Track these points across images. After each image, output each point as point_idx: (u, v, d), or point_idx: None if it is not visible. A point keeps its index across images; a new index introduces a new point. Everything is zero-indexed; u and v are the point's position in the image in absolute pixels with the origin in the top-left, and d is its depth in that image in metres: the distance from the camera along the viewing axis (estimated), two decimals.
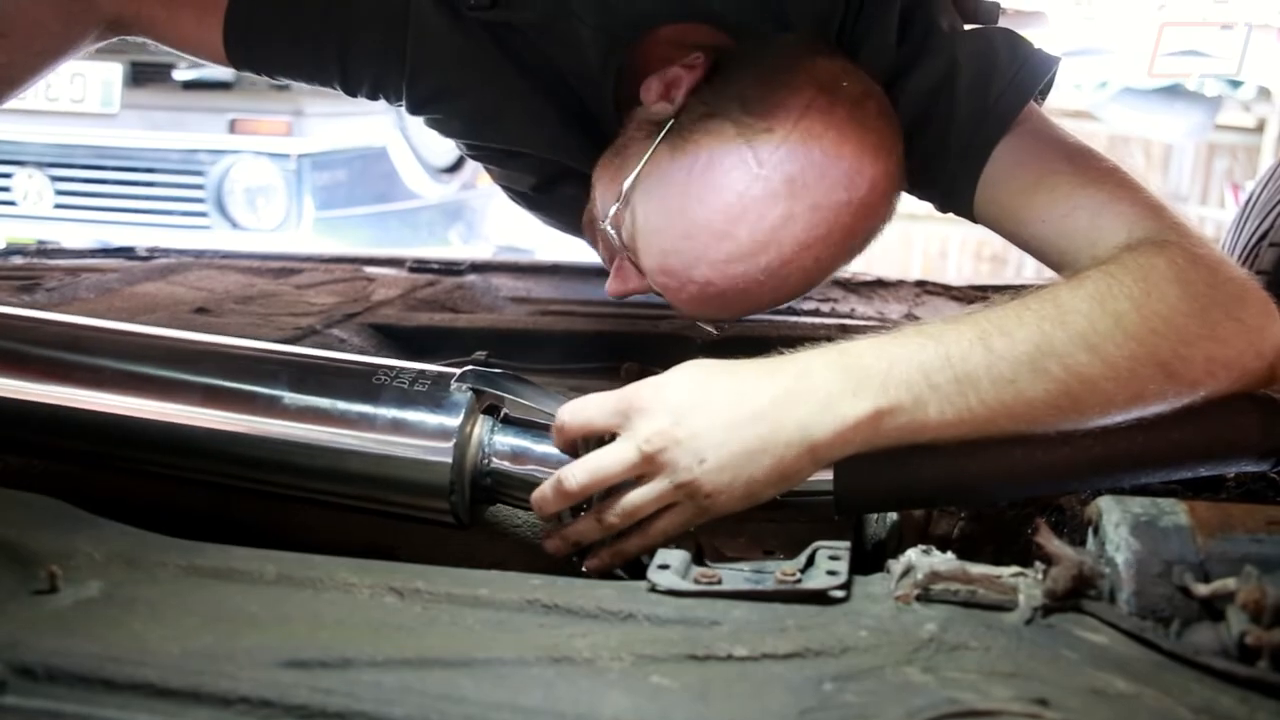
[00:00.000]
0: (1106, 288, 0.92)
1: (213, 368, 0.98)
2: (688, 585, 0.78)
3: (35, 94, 4.18)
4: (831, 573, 0.78)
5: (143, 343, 1.03)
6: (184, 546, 0.83)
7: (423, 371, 0.96)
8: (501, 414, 0.97)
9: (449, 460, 0.91)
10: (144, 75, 4.22)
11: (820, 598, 0.76)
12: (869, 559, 0.94)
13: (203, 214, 4.31)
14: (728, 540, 0.88)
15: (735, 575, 0.80)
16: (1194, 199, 7.31)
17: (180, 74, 4.16)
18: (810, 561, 0.81)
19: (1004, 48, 1.20)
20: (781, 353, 0.90)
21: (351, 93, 1.39)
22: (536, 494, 0.91)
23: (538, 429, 0.95)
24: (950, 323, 0.91)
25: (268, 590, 0.77)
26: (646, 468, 0.87)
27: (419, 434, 0.92)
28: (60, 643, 0.66)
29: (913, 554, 0.77)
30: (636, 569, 0.89)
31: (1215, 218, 6.92)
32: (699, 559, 0.86)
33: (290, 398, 0.94)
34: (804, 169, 1.05)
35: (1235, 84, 6.49)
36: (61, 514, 0.86)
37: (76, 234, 4.14)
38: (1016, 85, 1.16)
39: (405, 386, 0.94)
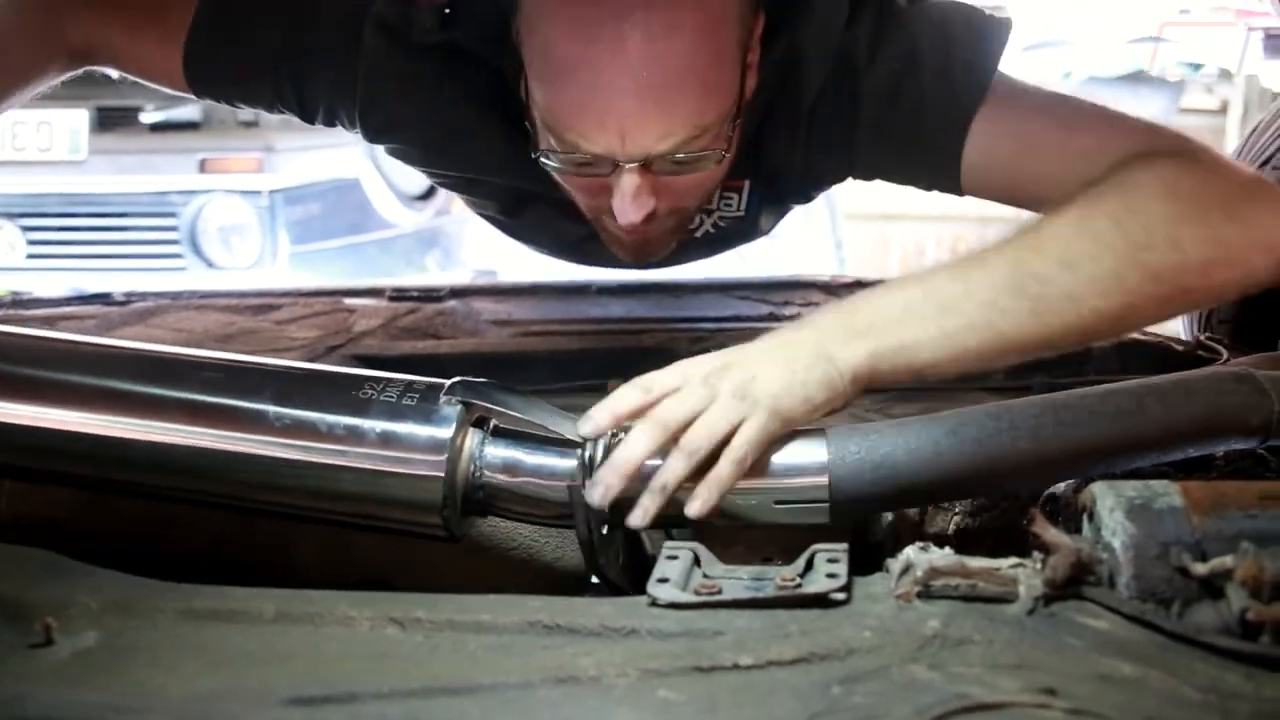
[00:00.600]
0: (1086, 210, 0.95)
1: (195, 382, 0.96)
2: (688, 597, 0.77)
3: (1, 145, 4.17)
4: (831, 575, 0.78)
5: (120, 356, 1.01)
6: (180, 590, 0.82)
7: (411, 383, 0.94)
8: (491, 425, 0.96)
9: (442, 474, 0.90)
10: (110, 120, 4.21)
11: (822, 601, 0.76)
12: (867, 559, 0.94)
13: (178, 255, 4.30)
14: (725, 549, 0.87)
15: (735, 584, 0.80)
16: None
17: (147, 116, 4.15)
18: (809, 565, 0.81)
19: (959, 19, 1.21)
20: None
21: (309, 120, 1.40)
22: (601, 475, 0.87)
23: (529, 440, 0.94)
24: (937, 266, 0.96)
25: (267, 628, 0.77)
26: (706, 397, 0.88)
27: (410, 448, 0.91)
28: (62, 695, 0.65)
29: (911, 551, 0.77)
30: (639, 580, 0.89)
31: None
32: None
33: (276, 412, 0.92)
34: None
35: (1196, 67, 6.57)
36: (53, 565, 0.86)
37: (51, 283, 4.12)
38: (980, 56, 1.17)
39: (394, 399, 0.92)
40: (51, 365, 0.98)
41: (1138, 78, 6.58)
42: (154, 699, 0.65)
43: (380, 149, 1.47)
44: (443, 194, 4.75)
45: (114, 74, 1.44)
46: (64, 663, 0.72)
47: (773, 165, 1.30)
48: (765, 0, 1.18)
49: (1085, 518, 0.80)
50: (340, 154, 4.42)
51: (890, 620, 0.72)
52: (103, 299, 2.16)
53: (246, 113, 3.87)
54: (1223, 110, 7.09)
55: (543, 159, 1.18)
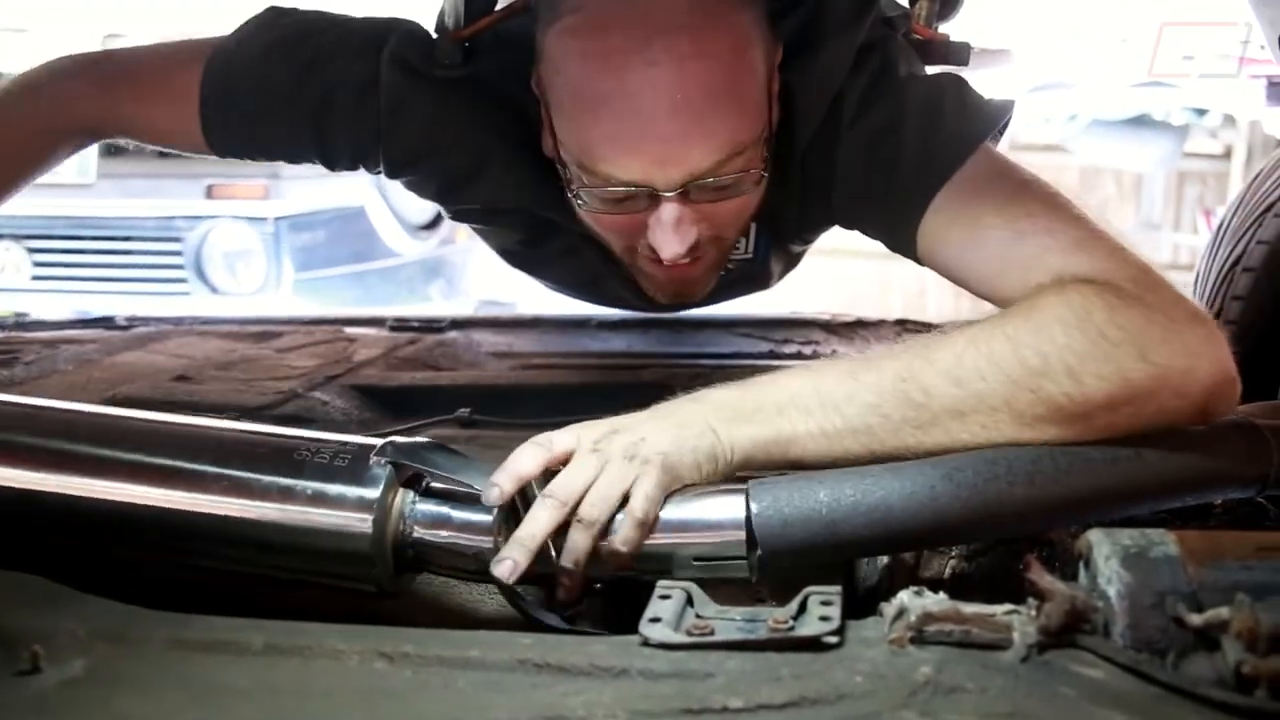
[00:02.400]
0: (988, 328, 0.95)
1: (139, 444, 0.99)
2: (680, 638, 0.77)
3: None
4: (824, 618, 0.77)
5: (66, 418, 1.03)
6: (168, 619, 0.82)
7: (344, 444, 0.97)
8: (424, 484, 0.97)
9: (368, 531, 0.92)
10: (119, 145, 4.23)
11: (814, 644, 0.75)
12: (861, 603, 0.94)
13: (182, 280, 4.31)
14: (718, 589, 0.87)
15: (728, 625, 0.80)
16: (1167, 226, 7.38)
17: None
18: (802, 608, 0.80)
19: (952, 96, 1.21)
20: None
21: (331, 167, 1.39)
22: (508, 552, 0.90)
23: (459, 498, 0.96)
24: (831, 361, 1.01)
25: (255, 661, 0.76)
26: (598, 463, 0.92)
27: (339, 506, 0.93)
28: None
29: (905, 596, 0.77)
30: (629, 621, 0.89)
31: (1189, 244, 6.98)
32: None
33: (215, 473, 0.96)
34: None
35: (1201, 112, 6.59)
36: (42, 591, 0.85)
37: (55, 305, 4.13)
38: (961, 135, 1.17)
39: (326, 461, 0.95)
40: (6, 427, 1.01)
41: (1142, 121, 6.61)
42: None
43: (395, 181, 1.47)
44: (447, 223, 4.78)
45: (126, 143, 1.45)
46: (50, 691, 0.71)
47: (771, 205, 1.30)
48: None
49: (1081, 565, 0.80)
50: (346, 182, 4.45)
51: (883, 665, 0.72)
52: (105, 323, 2.16)
53: None
54: (1226, 156, 7.12)
55: (578, 200, 1.18)
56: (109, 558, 1.00)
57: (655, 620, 0.79)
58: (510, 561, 0.90)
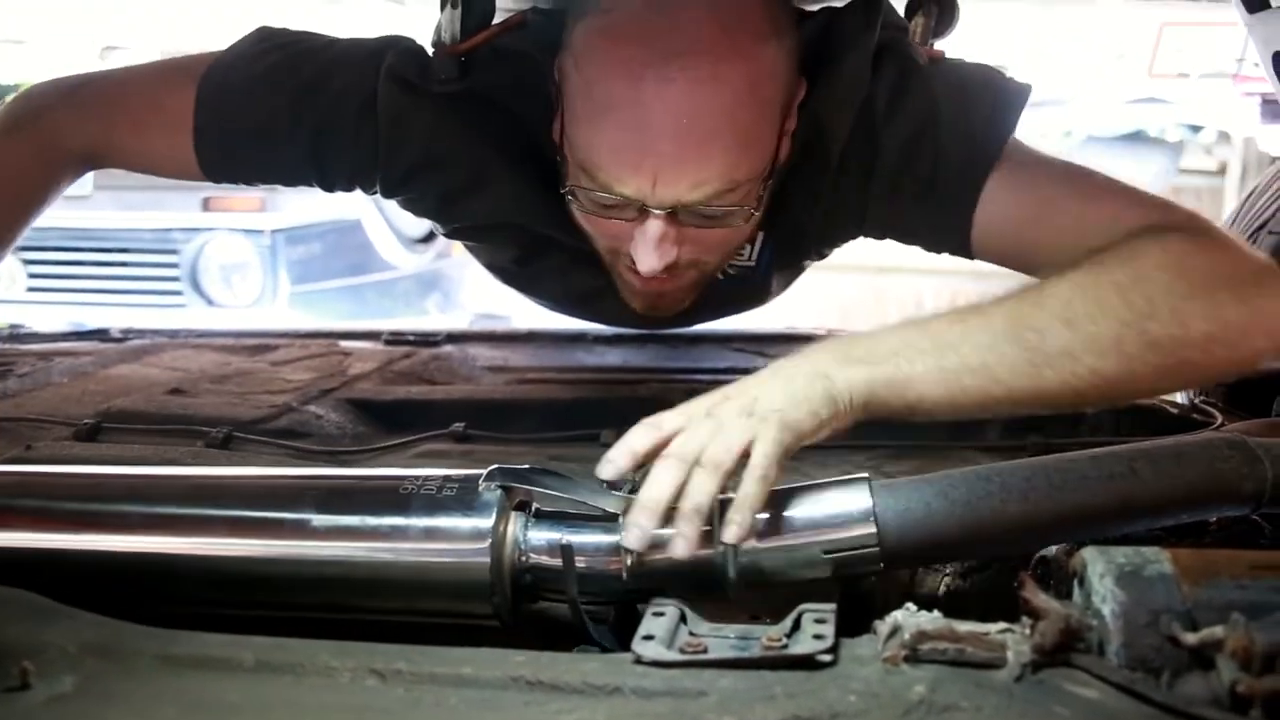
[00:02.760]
0: (1090, 274, 0.97)
1: (238, 500, 0.97)
2: (673, 655, 0.76)
3: None
4: (818, 636, 0.77)
5: (163, 483, 1.02)
6: (159, 635, 0.81)
7: (448, 476, 0.95)
8: (534, 509, 0.96)
9: (487, 561, 0.90)
10: None
11: (808, 663, 0.75)
12: (855, 619, 0.94)
13: (178, 292, 4.31)
14: (713, 607, 0.86)
15: (721, 643, 0.79)
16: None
17: None
18: (796, 625, 0.80)
19: (978, 81, 1.22)
20: None
21: (329, 189, 1.39)
22: (634, 518, 0.86)
23: (573, 519, 0.94)
24: (930, 313, 0.97)
25: (246, 678, 0.76)
26: (715, 426, 0.88)
27: (453, 538, 0.91)
28: None
29: (899, 614, 0.77)
30: (625, 635, 0.88)
31: None
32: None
33: (319, 519, 0.93)
34: None
35: (1195, 129, 6.62)
36: (31, 606, 0.84)
37: (50, 317, 4.13)
38: (997, 118, 1.18)
39: (433, 492, 0.93)
40: (103, 497, 1.00)
41: (1137, 138, 6.64)
42: None
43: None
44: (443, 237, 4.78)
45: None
46: (39, 708, 0.70)
47: (790, 222, 1.31)
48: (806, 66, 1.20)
49: (1076, 583, 0.80)
50: (342, 195, 4.45)
51: (876, 684, 0.71)
52: (100, 335, 2.16)
53: None
54: (1221, 172, 7.15)
55: (570, 196, 1.18)
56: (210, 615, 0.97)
57: (648, 638, 0.79)
58: (637, 529, 0.85)
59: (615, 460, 0.89)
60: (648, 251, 1.14)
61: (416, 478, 0.95)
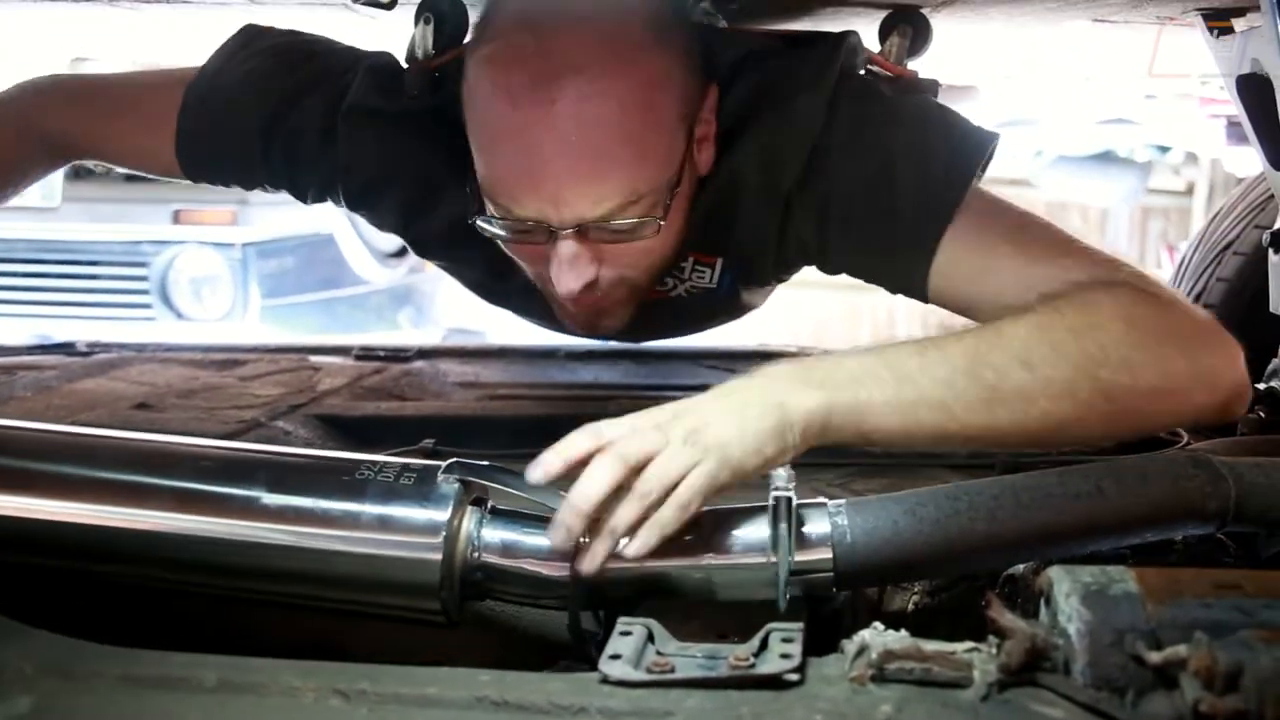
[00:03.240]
0: (1047, 319, 0.99)
1: (186, 470, 0.94)
2: (640, 675, 0.76)
3: None
4: (785, 655, 0.77)
5: (111, 446, 1.00)
6: (119, 655, 0.80)
7: (407, 465, 0.94)
8: (489, 506, 0.95)
9: (439, 556, 0.88)
10: (85, 168, 4.20)
11: (775, 682, 0.74)
12: (824, 637, 0.94)
13: (147, 305, 4.26)
14: (681, 625, 0.86)
15: (689, 662, 0.79)
16: (1131, 261, 7.47)
17: None
18: (764, 645, 0.80)
19: (939, 127, 1.22)
20: None
21: (301, 197, 1.41)
22: (561, 517, 0.86)
23: (528, 520, 0.93)
24: (889, 342, 0.99)
25: (208, 698, 0.75)
26: (659, 440, 0.88)
27: (407, 530, 0.89)
28: None
29: (866, 633, 0.77)
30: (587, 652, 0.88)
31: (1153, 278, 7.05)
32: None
33: (269, 498, 0.91)
34: None
35: (1164, 149, 6.70)
36: None
37: (17, 329, 4.08)
38: (955, 169, 1.18)
39: (390, 480, 0.91)
40: (43, 457, 0.97)
41: (1107, 158, 6.71)
42: None
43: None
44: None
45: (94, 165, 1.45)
46: None
47: (745, 247, 1.31)
48: (717, 71, 1.20)
49: (1042, 601, 0.80)
50: (315, 209, 4.42)
51: (843, 704, 0.71)
52: (65, 349, 2.13)
53: None
54: (1189, 192, 7.23)
55: (480, 225, 1.18)
56: (155, 591, 0.96)
57: (615, 657, 0.78)
58: (564, 529, 0.86)
59: (547, 463, 0.89)
60: (563, 273, 1.15)
61: (374, 463, 0.94)
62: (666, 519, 0.87)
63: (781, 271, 1.42)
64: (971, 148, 1.21)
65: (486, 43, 1.14)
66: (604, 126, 1.08)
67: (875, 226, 1.19)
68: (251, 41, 1.40)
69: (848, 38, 1.29)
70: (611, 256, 1.16)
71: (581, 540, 0.88)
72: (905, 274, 1.19)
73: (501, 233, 1.17)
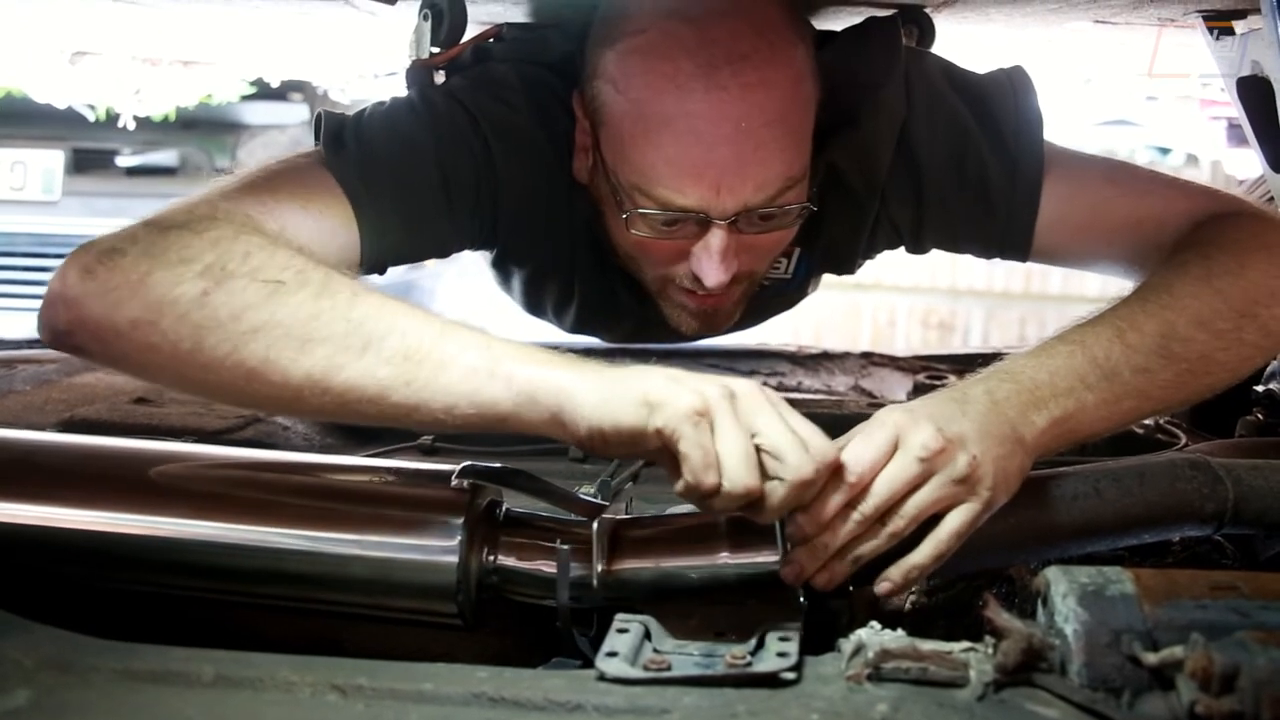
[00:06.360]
0: (1201, 267, 1.04)
1: (205, 479, 0.95)
2: (637, 673, 0.76)
3: None
4: (782, 654, 0.77)
5: (125, 456, 1.00)
6: (118, 649, 0.80)
7: (419, 470, 0.95)
8: (504, 510, 0.95)
9: (455, 560, 0.89)
10: (86, 162, 4.19)
11: (771, 681, 0.75)
12: (821, 636, 0.94)
13: None
14: (678, 623, 0.86)
15: (685, 660, 0.79)
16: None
17: (124, 160, 4.14)
18: (761, 643, 0.80)
19: (989, 88, 1.26)
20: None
21: (489, 245, 1.36)
22: (797, 555, 0.85)
23: (541, 523, 0.94)
24: (1089, 325, 1.00)
25: (205, 693, 0.75)
26: (921, 475, 0.86)
27: (422, 534, 0.90)
28: None
29: (863, 632, 0.77)
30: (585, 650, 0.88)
31: None
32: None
33: (284, 503, 0.92)
34: None
35: (1164, 151, 6.70)
36: None
37: (17, 324, 4.08)
38: (1023, 120, 1.23)
39: (405, 484, 0.93)
40: (63, 465, 0.98)
41: None
42: None
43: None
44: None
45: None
46: None
47: (833, 239, 1.34)
48: (828, 77, 1.20)
49: (1039, 602, 0.80)
50: None
51: (839, 703, 0.71)
52: None
53: (222, 160, 3.88)
54: None
55: (630, 222, 1.16)
56: (173, 598, 0.96)
57: (612, 654, 0.78)
58: (796, 565, 0.86)
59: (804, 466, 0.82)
60: (713, 265, 1.14)
61: (389, 469, 0.95)
62: (922, 561, 0.87)
63: (863, 258, 1.44)
64: (1025, 94, 1.25)
65: (636, 34, 1.12)
66: (766, 113, 1.10)
67: (971, 197, 1.23)
68: (346, 129, 1.23)
69: (895, 19, 1.32)
70: (752, 248, 1.17)
71: (786, 547, 0.87)
72: (1007, 236, 1.24)
73: (650, 227, 1.15)
